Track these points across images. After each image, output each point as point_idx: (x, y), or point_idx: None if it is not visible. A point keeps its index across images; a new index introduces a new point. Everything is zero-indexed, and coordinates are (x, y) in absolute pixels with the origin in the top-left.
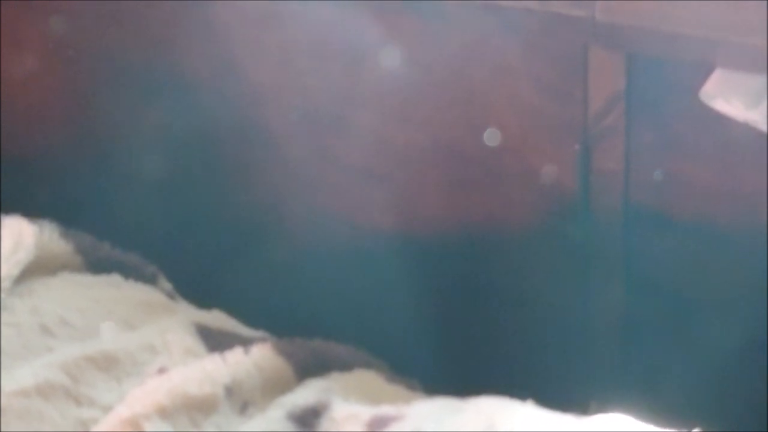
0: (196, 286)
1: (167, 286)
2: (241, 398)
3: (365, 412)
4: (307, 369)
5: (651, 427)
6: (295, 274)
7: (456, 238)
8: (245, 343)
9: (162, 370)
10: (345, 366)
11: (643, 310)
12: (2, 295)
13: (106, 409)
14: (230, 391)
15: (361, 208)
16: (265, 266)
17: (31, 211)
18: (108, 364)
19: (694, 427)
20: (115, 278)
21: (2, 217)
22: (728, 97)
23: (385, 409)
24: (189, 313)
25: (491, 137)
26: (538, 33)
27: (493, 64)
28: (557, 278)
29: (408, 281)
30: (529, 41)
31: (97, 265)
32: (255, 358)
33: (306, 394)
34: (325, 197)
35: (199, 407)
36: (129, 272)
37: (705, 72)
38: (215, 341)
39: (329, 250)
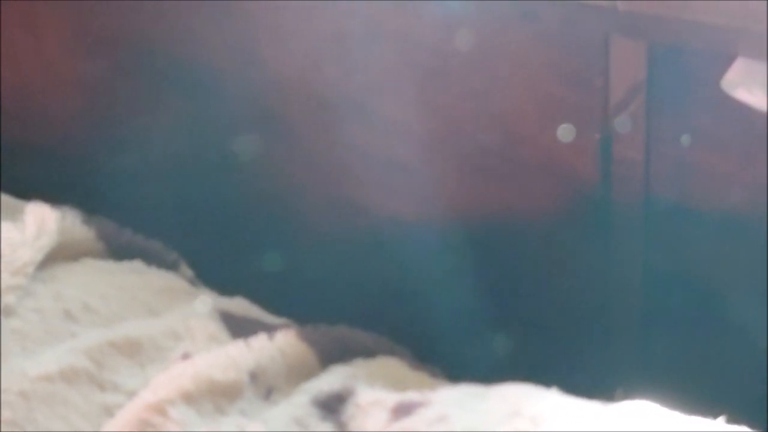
0: (216, 275)
1: (189, 273)
2: (266, 384)
3: (390, 398)
4: (331, 355)
5: (677, 414)
6: (314, 262)
7: (476, 227)
8: (269, 329)
9: (186, 356)
10: (369, 353)
11: (663, 299)
12: (25, 281)
13: (130, 394)
14: (255, 376)
15: (380, 197)
16: (284, 255)
17: (51, 198)
18: (131, 350)
19: (719, 414)
20: (138, 265)
21: (25, 204)
22: (750, 86)
23: (410, 396)
24: (212, 300)
25: (565, 133)
26: (560, 22)
27: (513, 53)
28: (577, 267)
29: (427, 270)
30: (550, 30)
31: (119, 252)
32: (279, 344)
33: (331, 380)
34: (345, 186)
35: (223, 393)
36: (151, 259)
37: (727, 61)
38: (239, 328)
39: (349, 238)
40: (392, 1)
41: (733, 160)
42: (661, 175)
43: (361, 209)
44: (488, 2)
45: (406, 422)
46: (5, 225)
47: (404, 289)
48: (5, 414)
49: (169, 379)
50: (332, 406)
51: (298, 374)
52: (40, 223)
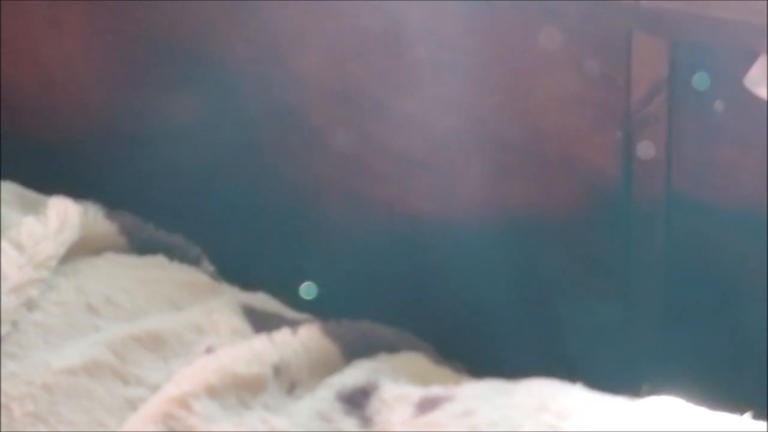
0: (236, 270)
1: (210, 268)
2: (289, 378)
3: (415, 392)
4: (354, 350)
5: (702, 409)
6: (335, 258)
7: (496, 224)
8: (292, 324)
9: (209, 350)
10: (392, 347)
11: (685, 296)
12: (48, 274)
13: (153, 388)
14: (278, 370)
15: (401, 194)
16: (304, 251)
17: (72, 193)
18: (155, 344)
19: (744, 410)
20: (160, 259)
21: (47, 198)
22: None
23: (435, 390)
24: (235, 295)
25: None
26: (581, 18)
27: (535, 50)
28: (598, 266)
29: (448, 266)
30: (572, 26)
31: (141, 246)
32: (302, 338)
33: (355, 374)
34: (366, 183)
35: (247, 387)
36: (174, 254)
37: (750, 58)
38: (261, 322)
39: (369, 235)
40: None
41: (755, 157)
42: (683, 173)
43: (382, 206)
44: None
45: (432, 417)
46: (28, 219)
47: (425, 285)
48: (29, 407)
49: (192, 373)
50: (357, 400)
51: (322, 369)
52: (62, 216)
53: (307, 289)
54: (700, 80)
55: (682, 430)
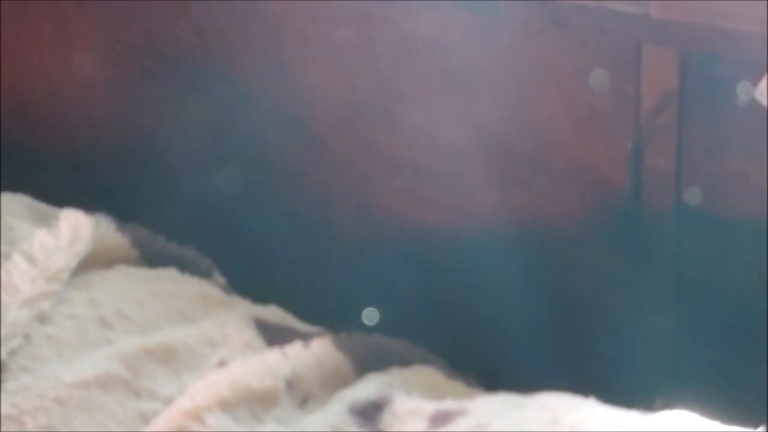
0: (247, 283)
1: (222, 280)
2: (302, 392)
3: (427, 406)
4: (366, 364)
5: (716, 424)
6: (344, 271)
7: (505, 235)
8: (304, 337)
9: (222, 363)
10: (404, 361)
11: (695, 309)
12: (60, 287)
13: (166, 401)
14: (291, 384)
15: (409, 205)
16: (314, 263)
17: (82, 205)
18: (167, 357)
19: (758, 424)
20: (172, 272)
21: (59, 210)
22: None
23: (448, 404)
24: (247, 308)
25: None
26: (591, 29)
27: (544, 61)
28: (607, 277)
29: (457, 279)
30: (581, 38)
31: (153, 259)
32: (315, 352)
33: (367, 388)
34: (374, 194)
35: (260, 400)
36: (185, 266)
37: (759, 70)
38: (274, 335)
39: (377, 246)
40: (421, 9)
41: (765, 168)
42: (693, 184)
43: (391, 216)
44: (519, 9)
45: (444, 430)
46: (40, 231)
47: (435, 296)
48: (41, 420)
49: (205, 386)
50: (369, 414)
51: (334, 382)
52: (74, 229)
53: (369, 315)
54: (743, 90)
55: None
